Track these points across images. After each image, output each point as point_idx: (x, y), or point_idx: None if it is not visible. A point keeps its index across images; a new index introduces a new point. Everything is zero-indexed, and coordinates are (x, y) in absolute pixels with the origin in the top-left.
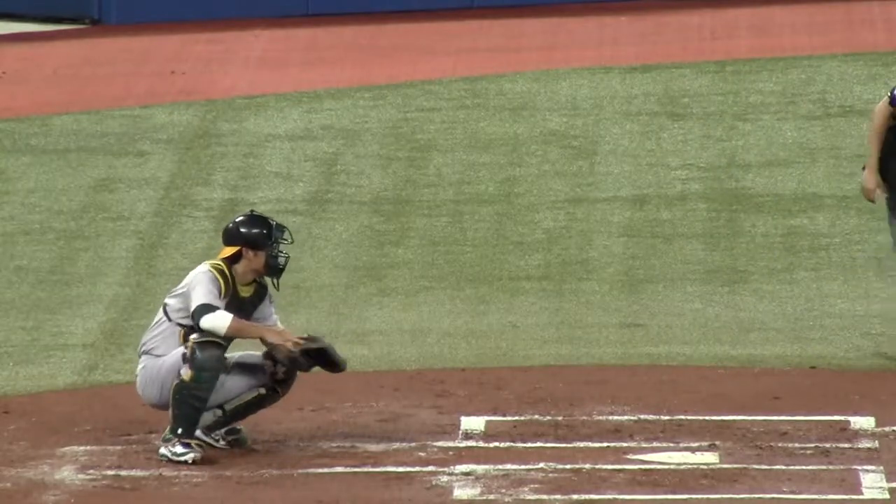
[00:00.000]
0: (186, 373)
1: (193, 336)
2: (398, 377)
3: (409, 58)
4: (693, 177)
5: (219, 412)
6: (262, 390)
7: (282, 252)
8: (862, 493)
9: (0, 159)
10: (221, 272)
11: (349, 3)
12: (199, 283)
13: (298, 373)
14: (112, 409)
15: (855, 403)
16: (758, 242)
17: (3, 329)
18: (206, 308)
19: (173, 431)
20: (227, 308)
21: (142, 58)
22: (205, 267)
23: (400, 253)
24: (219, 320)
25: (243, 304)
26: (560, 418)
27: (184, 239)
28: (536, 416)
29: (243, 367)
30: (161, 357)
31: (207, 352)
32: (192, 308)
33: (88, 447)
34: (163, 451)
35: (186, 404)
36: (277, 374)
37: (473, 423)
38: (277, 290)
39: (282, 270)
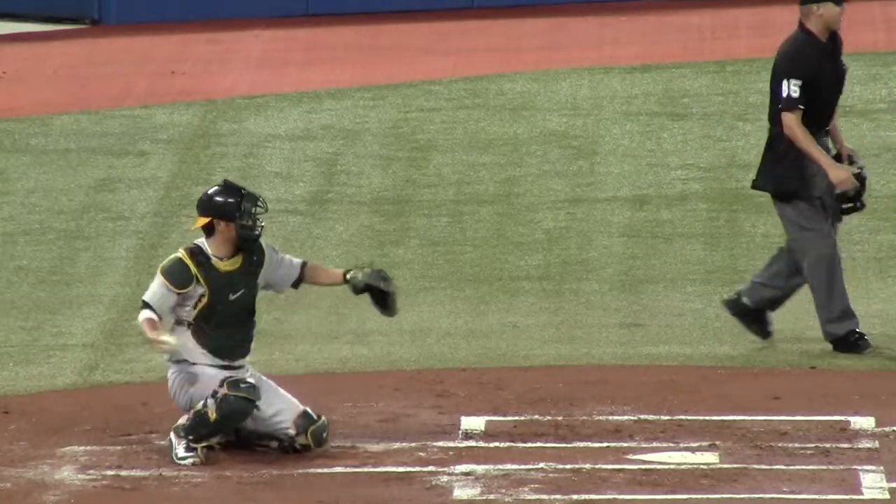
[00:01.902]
0: (212, 413)
1: (230, 383)
2: (398, 377)
3: (409, 58)
4: (693, 177)
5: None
6: (275, 443)
7: (255, 221)
8: (862, 494)
9: (0, 159)
10: (178, 264)
11: (349, 3)
12: (154, 281)
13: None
14: (112, 409)
15: (855, 403)
16: (758, 242)
17: (3, 329)
18: (143, 305)
19: (185, 433)
20: (214, 288)
21: (142, 58)
22: (175, 256)
23: (400, 253)
24: (139, 317)
25: (232, 279)
26: (560, 418)
27: (184, 239)
28: (536, 416)
29: (277, 408)
30: (193, 366)
31: (237, 405)
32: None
33: (88, 447)
34: (171, 437)
35: (201, 431)
36: (296, 441)
37: (473, 423)
38: (255, 259)
39: (255, 241)
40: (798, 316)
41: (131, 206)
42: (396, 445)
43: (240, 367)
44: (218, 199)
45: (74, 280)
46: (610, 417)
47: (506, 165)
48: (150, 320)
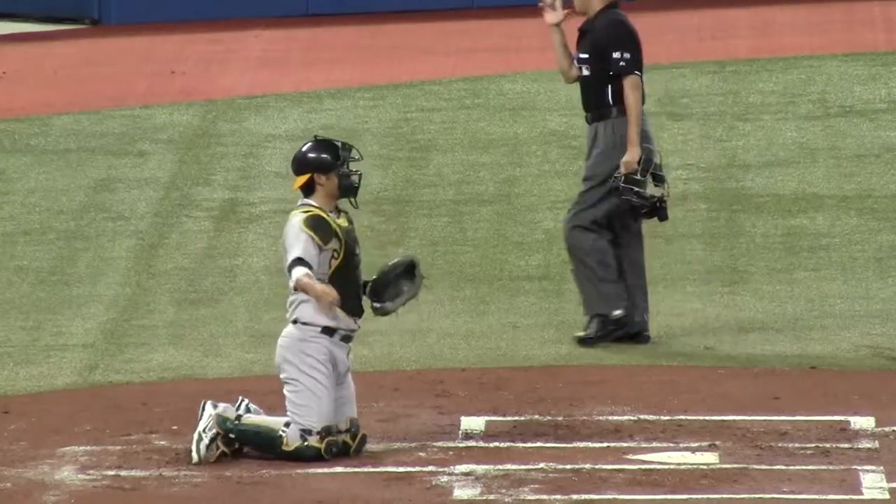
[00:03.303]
0: (287, 445)
1: (329, 440)
2: (398, 377)
3: (409, 58)
4: (693, 177)
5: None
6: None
7: (353, 170)
8: (862, 494)
9: (0, 159)
10: (323, 217)
11: (349, 3)
12: (297, 241)
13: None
14: (112, 409)
15: (855, 403)
16: (758, 242)
17: (3, 329)
18: (295, 262)
19: (226, 431)
20: (346, 242)
21: (142, 58)
22: (298, 218)
23: (400, 253)
24: (295, 275)
25: (351, 234)
26: (560, 418)
27: (184, 239)
28: (536, 416)
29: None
30: (317, 374)
31: (314, 457)
32: (288, 261)
33: (88, 447)
34: (208, 428)
35: (259, 446)
36: (341, 435)
37: (473, 423)
38: (356, 208)
39: (357, 189)
40: (798, 316)
41: (131, 206)
42: (396, 445)
43: (356, 331)
44: (315, 153)
45: (74, 280)
46: (610, 417)
47: (506, 165)
48: (308, 275)
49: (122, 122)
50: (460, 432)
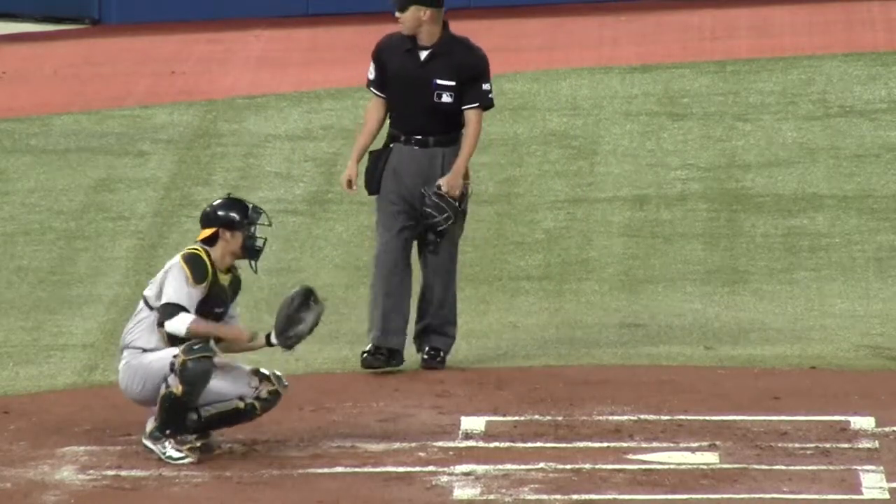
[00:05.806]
0: (177, 386)
1: (183, 349)
2: (398, 377)
3: None
4: (693, 177)
5: (194, 416)
6: (241, 404)
7: (259, 235)
8: (862, 493)
9: (0, 159)
10: (199, 257)
11: (349, 3)
12: (173, 278)
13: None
14: (112, 409)
15: (855, 403)
16: (758, 242)
17: (3, 329)
18: (170, 308)
19: (161, 431)
20: (209, 296)
21: (142, 58)
22: (194, 250)
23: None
24: (179, 324)
25: (222, 292)
26: (560, 418)
27: (184, 239)
28: (536, 416)
29: (227, 374)
30: (144, 352)
31: (198, 366)
32: (160, 304)
33: (88, 447)
34: (149, 445)
35: (175, 412)
36: (261, 392)
37: (473, 423)
38: (256, 273)
39: (259, 252)
40: (798, 316)
41: (131, 206)
42: (396, 445)
43: None
44: (224, 210)
45: (74, 280)
46: (610, 417)
47: (506, 165)
48: (197, 321)
49: (122, 122)
50: (460, 432)
